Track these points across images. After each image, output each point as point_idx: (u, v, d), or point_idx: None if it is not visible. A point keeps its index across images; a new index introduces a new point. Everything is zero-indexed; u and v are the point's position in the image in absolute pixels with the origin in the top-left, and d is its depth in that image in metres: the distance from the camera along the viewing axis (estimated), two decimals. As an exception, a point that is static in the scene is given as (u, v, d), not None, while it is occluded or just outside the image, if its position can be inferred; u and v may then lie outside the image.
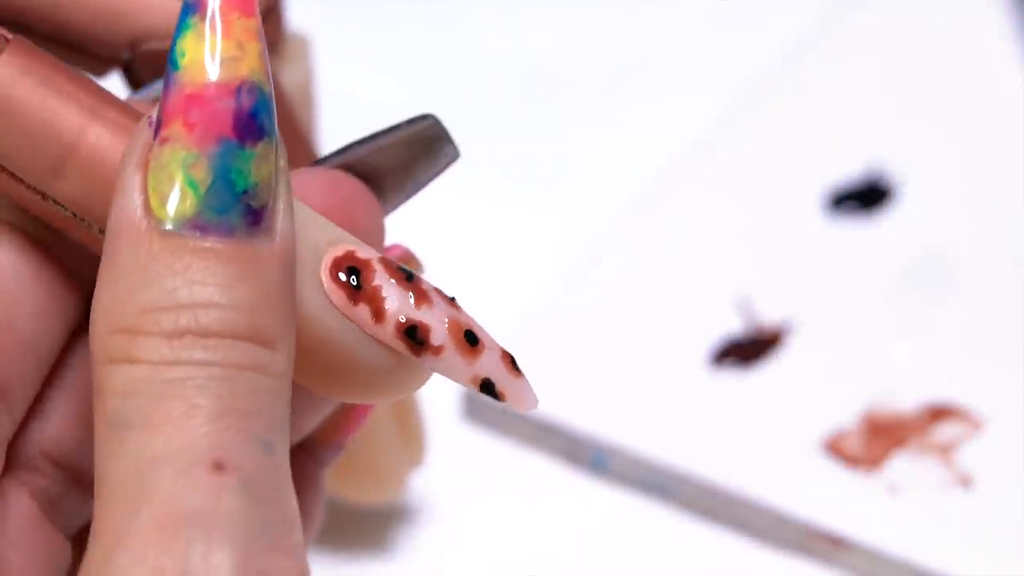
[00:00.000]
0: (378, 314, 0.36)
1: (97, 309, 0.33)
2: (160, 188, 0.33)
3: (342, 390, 0.37)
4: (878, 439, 0.61)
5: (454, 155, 0.40)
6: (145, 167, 0.33)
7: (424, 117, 0.40)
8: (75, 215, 0.35)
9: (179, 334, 0.32)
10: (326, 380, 0.36)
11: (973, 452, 0.60)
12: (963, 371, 0.63)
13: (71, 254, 0.37)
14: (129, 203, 0.33)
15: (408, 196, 0.41)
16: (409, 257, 0.41)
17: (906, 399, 0.62)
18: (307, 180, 0.39)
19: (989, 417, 0.61)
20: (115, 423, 0.32)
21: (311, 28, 0.60)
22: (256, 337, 0.32)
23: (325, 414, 0.44)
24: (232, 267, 0.33)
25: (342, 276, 0.35)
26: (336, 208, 0.38)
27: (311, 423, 0.42)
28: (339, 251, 0.36)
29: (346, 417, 0.44)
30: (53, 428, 0.37)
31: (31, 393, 0.37)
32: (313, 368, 0.36)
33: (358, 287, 0.36)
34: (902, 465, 0.60)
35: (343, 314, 0.35)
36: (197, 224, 0.32)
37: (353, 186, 0.39)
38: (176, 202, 0.33)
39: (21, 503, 0.36)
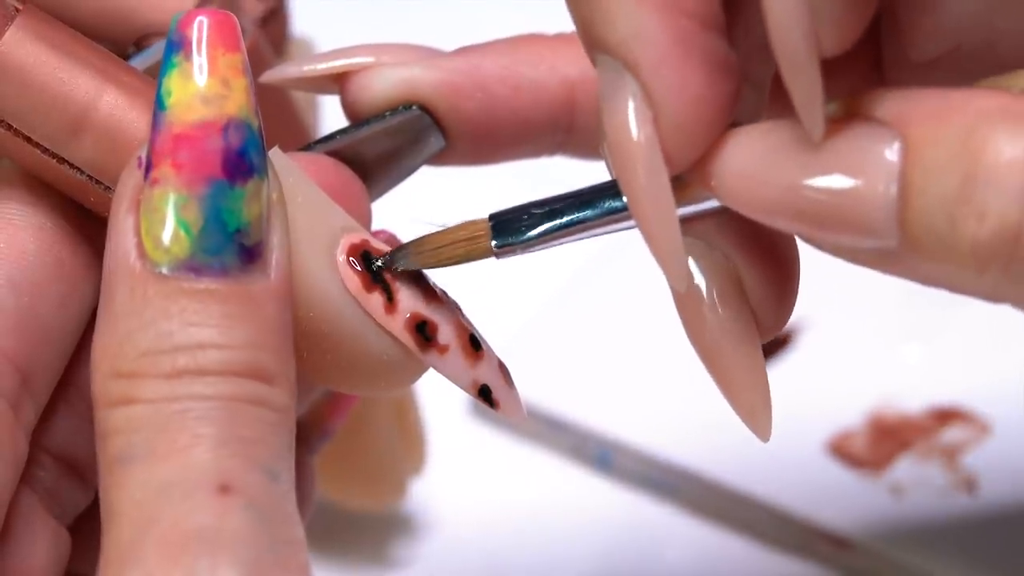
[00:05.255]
0: (391, 304, 0.36)
1: (97, 352, 0.33)
2: (153, 231, 0.33)
3: (341, 378, 0.37)
4: (883, 441, 0.61)
5: (439, 144, 0.41)
6: (137, 209, 0.33)
7: (409, 107, 0.40)
8: (91, 177, 0.36)
9: (177, 374, 0.32)
10: (327, 367, 0.37)
11: (978, 456, 0.60)
12: (971, 375, 0.63)
13: (90, 244, 0.37)
14: (123, 246, 0.33)
15: (394, 183, 0.42)
16: (395, 242, 0.41)
17: (913, 402, 0.62)
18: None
19: (995, 422, 0.61)
20: (119, 459, 0.32)
21: (314, 31, 0.61)
22: (255, 374, 0.33)
23: (312, 400, 0.44)
24: (228, 307, 0.33)
25: (356, 263, 0.36)
26: (324, 192, 0.38)
27: (299, 409, 0.42)
28: (355, 238, 0.36)
29: (334, 404, 0.45)
30: (49, 420, 0.38)
31: (53, 381, 0.37)
32: (315, 353, 0.36)
33: (374, 276, 0.36)
34: (907, 468, 0.60)
35: (356, 300, 0.36)
36: (191, 266, 0.33)
37: (340, 172, 0.40)
38: (169, 244, 0.33)
39: (22, 496, 0.37)
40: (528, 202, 0.36)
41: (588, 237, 0.36)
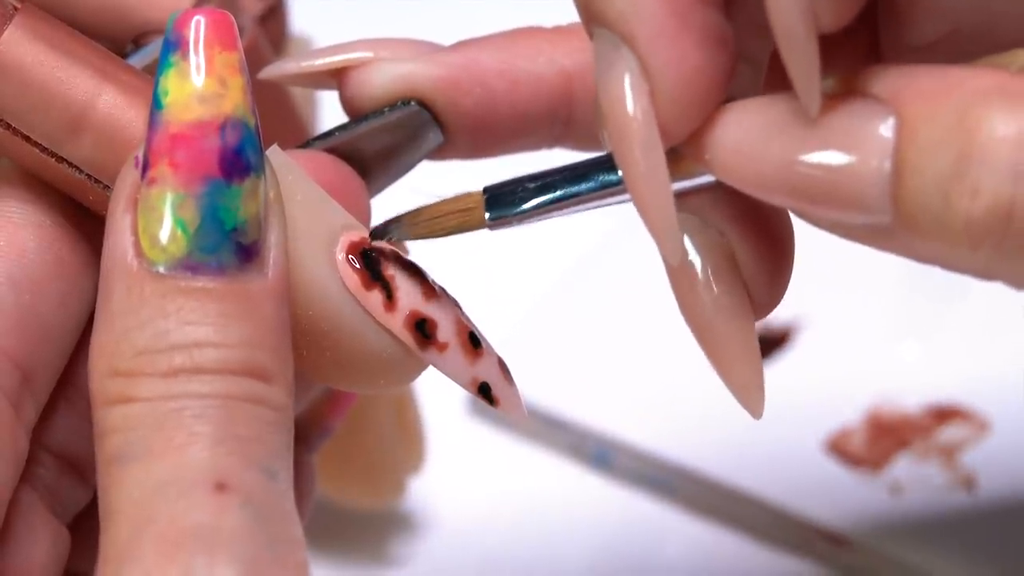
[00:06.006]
0: (390, 303, 0.36)
1: (94, 351, 0.33)
2: (150, 229, 0.33)
3: (341, 376, 0.37)
4: (882, 439, 0.61)
5: (438, 140, 0.41)
6: (134, 208, 0.33)
7: (408, 103, 0.40)
8: (89, 176, 0.36)
9: (174, 373, 0.32)
10: (327, 365, 0.37)
11: (977, 454, 0.60)
12: (969, 373, 0.63)
13: (89, 242, 0.37)
14: (120, 245, 0.33)
15: (392, 179, 0.42)
16: (394, 241, 0.41)
17: (911, 399, 0.62)
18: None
19: (994, 419, 0.61)
20: (117, 458, 0.32)
21: (313, 29, 0.61)
22: (252, 373, 0.33)
23: (311, 399, 0.44)
24: (224, 305, 0.33)
25: (355, 261, 0.36)
26: (323, 189, 0.38)
27: (298, 407, 0.42)
28: (355, 236, 0.36)
29: (334, 402, 0.45)
30: (50, 418, 0.38)
31: (53, 379, 0.37)
32: (315, 351, 0.36)
33: (374, 274, 0.36)
34: (905, 466, 0.60)
35: (355, 298, 0.36)
36: (188, 264, 0.33)
37: (339, 168, 0.40)
38: (166, 243, 0.33)
39: (22, 494, 0.37)
40: (523, 175, 0.36)
41: (582, 211, 0.36)
